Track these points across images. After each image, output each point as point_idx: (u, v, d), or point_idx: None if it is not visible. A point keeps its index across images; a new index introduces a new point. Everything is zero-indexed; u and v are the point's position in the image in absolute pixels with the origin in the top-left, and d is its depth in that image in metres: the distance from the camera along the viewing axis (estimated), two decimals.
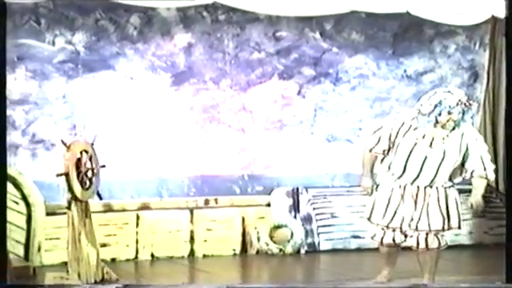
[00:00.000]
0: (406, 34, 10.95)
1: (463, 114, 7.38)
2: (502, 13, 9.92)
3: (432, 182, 7.57)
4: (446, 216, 7.62)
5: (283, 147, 10.76)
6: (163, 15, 10.23)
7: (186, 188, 10.39)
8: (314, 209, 10.21)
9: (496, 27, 10.76)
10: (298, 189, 10.27)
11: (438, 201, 7.61)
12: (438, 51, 11.11)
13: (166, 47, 10.31)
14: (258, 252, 9.88)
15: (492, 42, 11.00)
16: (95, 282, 8.05)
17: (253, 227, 9.95)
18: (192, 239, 9.77)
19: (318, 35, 10.76)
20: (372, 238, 7.87)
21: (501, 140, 10.38)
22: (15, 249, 8.71)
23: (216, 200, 9.99)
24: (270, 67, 10.68)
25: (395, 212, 7.64)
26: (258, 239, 9.90)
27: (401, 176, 7.60)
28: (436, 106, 7.35)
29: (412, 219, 7.61)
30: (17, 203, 9.00)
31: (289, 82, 10.77)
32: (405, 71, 11.08)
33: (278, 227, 9.99)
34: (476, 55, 11.21)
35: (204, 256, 9.74)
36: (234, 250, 9.91)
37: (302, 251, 10.00)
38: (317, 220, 10.15)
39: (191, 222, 9.79)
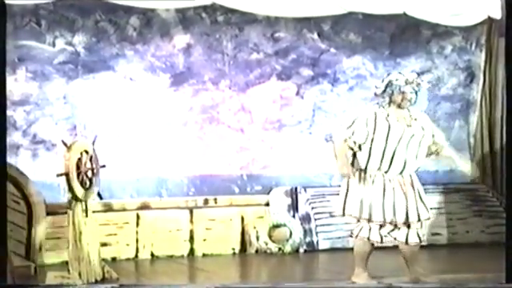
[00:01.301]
0: (403, 35, 10.97)
1: (416, 93, 7.70)
2: (498, 14, 9.98)
3: (414, 165, 7.69)
4: (425, 204, 7.78)
5: (282, 147, 10.77)
6: (162, 16, 10.25)
7: (186, 188, 10.39)
8: (313, 208, 10.21)
9: (492, 28, 10.78)
10: (296, 188, 10.27)
11: (417, 189, 7.76)
12: (435, 52, 11.14)
13: (165, 48, 10.33)
14: (257, 251, 9.88)
15: (488, 43, 11.02)
16: (96, 281, 8.07)
17: (252, 226, 9.94)
18: (191, 238, 9.77)
19: (315, 36, 10.78)
20: (356, 235, 7.88)
21: (498, 139, 10.42)
22: (16, 248, 8.69)
23: (215, 200, 9.99)
24: (269, 68, 10.70)
25: (388, 206, 7.71)
26: (257, 238, 9.90)
27: (389, 168, 7.67)
28: (387, 86, 7.68)
29: (405, 211, 7.68)
30: (18, 203, 8.99)
31: (287, 83, 10.78)
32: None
33: (276, 226, 9.99)
34: (472, 56, 11.22)
35: (203, 255, 9.74)
36: (234, 249, 9.91)
37: (301, 250, 10.00)
38: (315, 219, 10.15)
39: (191, 221, 9.79)
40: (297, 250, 9.97)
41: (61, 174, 7.97)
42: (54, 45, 9.88)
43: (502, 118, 10.56)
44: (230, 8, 9.89)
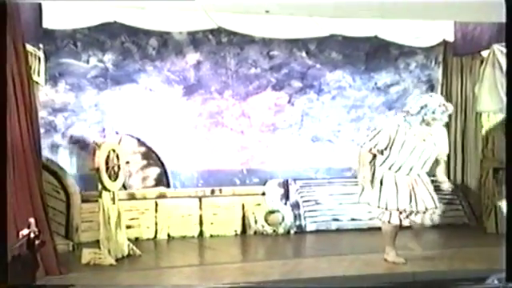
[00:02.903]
0: (376, 54, 10.99)
1: (443, 114, 7.67)
2: (451, 37, 10.08)
3: (421, 170, 7.77)
4: (432, 196, 7.83)
5: (276, 146, 10.81)
6: (176, 38, 10.28)
7: (196, 180, 10.42)
8: (301, 197, 10.21)
9: (447, 48, 10.80)
10: (287, 180, 10.27)
11: (426, 185, 7.83)
12: (402, 67, 11.17)
13: (178, 64, 10.37)
14: (255, 233, 9.86)
15: (445, 61, 11.04)
16: (122, 257, 8.14)
17: (251, 212, 9.94)
18: (201, 222, 9.75)
19: (304, 54, 10.82)
20: (380, 219, 7.89)
21: (452, 139, 10.32)
22: (58, 229, 8.70)
23: (220, 190, 9.98)
24: (265, 80, 10.74)
25: (400, 198, 7.78)
26: (255, 222, 9.90)
27: (399, 169, 7.72)
28: (422, 108, 7.62)
29: (412, 203, 7.76)
30: (58, 192, 9.07)
31: (280, 93, 10.83)
32: (375, 84, 11.13)
33: (271, 212, 10.00)
34: (432, 71, 11.24)
35: (211, 236, 9.72)
36: (236, 231, 9.88)
37: (292, 232, 9.96)
38: (303, 206, 10.14)
39: (200, 208, 9.78)
40: (288, 232, 9.94)
41: (93, 169, 8.06)
42: (87, 62, 9.94)
43: (456, 122, 10.67)
44: (232, 31, 9.93)
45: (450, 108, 7.79)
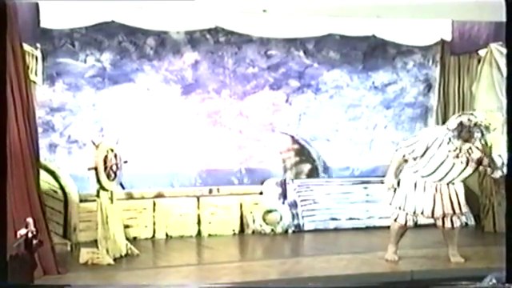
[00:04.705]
0: (373, 53, 10.99)
1: (482, 132, 7.71)
2: (448, 36, 10.08)
3: (452, 180, 7.88)
4: (458, 203, 7.94)
5: (273, 146, 10.77)
6: (174, 37, 10.27)
7: (194, 179, 10.39)
8: (299, 196, 10.22)
9: (444, 48, 10.82)
10: (285, 180, 10.29)
11: (456, 192, 7.94)
12: (399, 67, 11.17)
13: (176, 64, 10.35)
14: (253, 232, 9.87)
15: (442, 60, 11.05)
16: (120, 257, 8.13)
17: (249, 212, 9.94)
18: (199, 221, 9.76)
19: (301, 53, 10.81)
20: (395, 220, 8.03)
21: None
22: (55, 229, 8.71)
23: (218, 189, 9.99)
24: (263, 80, 10.72)
25: (422, 202, 7.91)
26: (253, 221, 9.91)
27: (429, 175, 7.84)
28: (459, 126, 7.72)
29: (435, 207, 7.88)
30: (56, 192, 9.06)
31: (278, 92, 10.80)
32: (373, 83, 11.12)
33: (269, 211, 10.00)
34: (429, 70, 11.24)
35: (209, 235, 9.73)
36: (234, 230, 9.89)
37: (290, 231, 9.97)
38: (301, 205, 10.15)
39: (198, 207, 9.79)
40: (286, 231, 9.95)
41: (91, 168, 8.04)
42: (85, 61, 9.90)
43: None
44: (230, 30, 10.00)
45: (491, 127, 7.77)
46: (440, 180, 7.85)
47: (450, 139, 7.73)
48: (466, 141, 7.71)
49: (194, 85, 10.47)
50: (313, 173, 10.67)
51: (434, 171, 7.82)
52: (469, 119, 7.71)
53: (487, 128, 7.73)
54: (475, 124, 7.70)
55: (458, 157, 7.74)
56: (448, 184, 7.89)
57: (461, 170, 7.81)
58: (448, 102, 10.98)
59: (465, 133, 7.70)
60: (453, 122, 7.82)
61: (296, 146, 10.73)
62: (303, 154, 10.74)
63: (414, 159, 7.87)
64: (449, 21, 10.25)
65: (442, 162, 7.78)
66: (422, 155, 7.81)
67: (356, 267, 7.72)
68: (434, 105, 11.23)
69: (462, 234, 8.11)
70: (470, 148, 7.71)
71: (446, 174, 7.82)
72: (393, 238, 8.09)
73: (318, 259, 8.13)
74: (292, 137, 10.68)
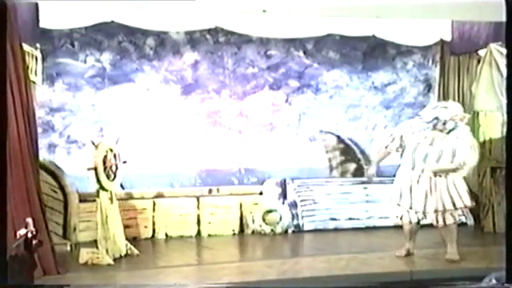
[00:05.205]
0: (373, 53, 11.00)
1: (456, 124, 7.86)
2: (448, 36, 10.07)
3: (435, 171, 7.87)
4: (455, 197, 7.92)
5: (273, 146, 10.79)
6: (174, 37, 10.29)
7: (193, 180, 10.41)
8: (299, 196, 10.21)
9: (444, 48, 10.84)
10: (285, 180, 10.27)
11: (447, 187, 7.91)
12: (399, 67, 11.19)
13: (176, 64, 10.37)
14: (253, 232, 9.88)
15: (442, 60, 11.05)
16: (120, 257, 8.13)
17: (249, 212, 9.95)
18: (199, 222, 9.78)
19: (301, 53, 10.82)
20: (397, 217, 8.14)
21: None
22: (55, 229, 8.71)
23: (218, 189, 10.00)
24: (262, 80, 10.74)
25: (415, 197, 7.95)
26: (253, 221, 9.91)
27: (413, 168, 7.91)
28: (433, 119, 7.87)
29: (427, 202, 7.90)
30: (55, 192, 9.05)
31: (278, 92, 10.82)
32: (372, 83, 11.14)
33: (269, 211, 10.00)
34: (429, 70, 11.25)
35: (209, 235, 9.74)
36: (234, 230, 9.90)
37: (290, 231, 9.97)
38: (301, 205, 10.14)
39: (198, 207, 9.80)
40: (286, 231, 9.95)
41: (90, 168, 8.03)
42: (85, 62, 9.93)
43: None
44: (229, 30, 10.01)
45: (465, 119, 7.93)
46: (422, 171, 7.85)
47: (424, 129, 7.88)
48: (441, 131, 7.85)
49: (193, 85, 10.48)
50: (358, 172, 10.81)
51: (412, 159, 7.88)
52: (444, 113, 7.84)
53: (461, 120, 7.87)
54: (451, 118, 7.83)
55: (432, 145, 7.83)
56: (443, 178, 7.86)
57: (436, 158, 7.81)
58: (450, 101, 10.48)
59: (440, 125, 7.85)
60: (428, 114, 7.94)
61: (341, 146, 10.91)
62: (348, 153, 10.94)
63: (397, 151, 8.04)
64: (448, 21, 10.26)
65: (415, 149, 7.86)
66: (401, 145, 7.98)
67: (356, 267, 7.71)
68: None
69: (462, 234, 8.12)
70: (445, 137, 7.83)
71: (424, 162, 7.84)
72: (406, 235, 8.16)
73: (318, 259, 8.12)
74: (338, 136, 10.88)
